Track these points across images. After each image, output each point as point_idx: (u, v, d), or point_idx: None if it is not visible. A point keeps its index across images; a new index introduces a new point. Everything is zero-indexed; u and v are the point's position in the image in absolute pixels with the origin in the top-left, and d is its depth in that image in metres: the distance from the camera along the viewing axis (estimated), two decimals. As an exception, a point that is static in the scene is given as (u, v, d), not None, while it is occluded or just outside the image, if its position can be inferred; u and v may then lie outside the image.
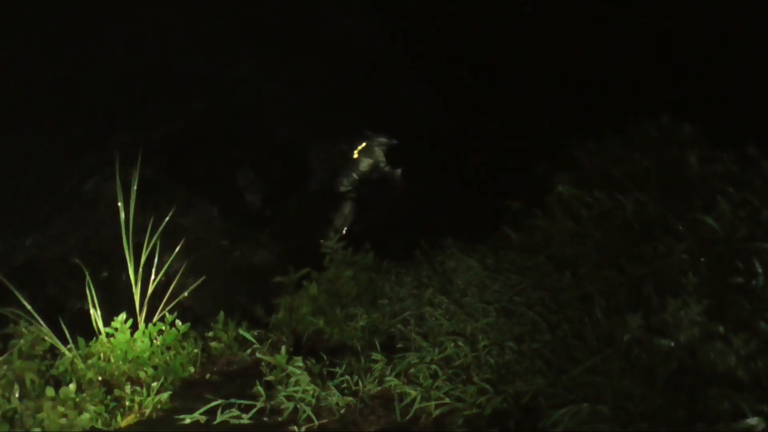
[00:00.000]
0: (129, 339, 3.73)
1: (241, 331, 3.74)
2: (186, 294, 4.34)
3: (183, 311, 4.32)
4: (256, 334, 3.90)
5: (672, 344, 2.64)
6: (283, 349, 3.38)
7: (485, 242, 4.38)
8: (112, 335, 3.78)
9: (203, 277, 4.46)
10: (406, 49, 6.31)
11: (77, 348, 3.66)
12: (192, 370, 3.73)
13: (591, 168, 4.18)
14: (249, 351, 3.71)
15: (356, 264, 4.51)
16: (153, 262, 4.19)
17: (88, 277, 3.83)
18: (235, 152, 6.52)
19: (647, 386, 2.68)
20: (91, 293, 3.86)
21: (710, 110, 4.60)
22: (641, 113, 4.57)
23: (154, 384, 3.43)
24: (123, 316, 3.84)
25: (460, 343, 3.19)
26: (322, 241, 4.67)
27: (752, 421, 2.31)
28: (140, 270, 4.05)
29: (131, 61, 5.55)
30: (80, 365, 3.57)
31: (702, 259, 2.98)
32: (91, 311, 3.80)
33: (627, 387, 2.70)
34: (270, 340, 3.87)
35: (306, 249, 5.45)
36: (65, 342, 3.66)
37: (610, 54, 5.35)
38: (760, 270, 2.76)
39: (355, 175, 6.26)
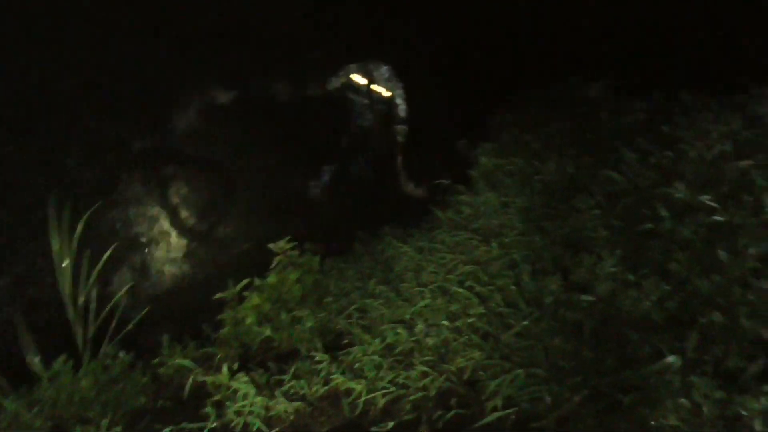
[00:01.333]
0: (72, 380, 3.66)
1: (179, 361, 3.68)
2: (130, 326, 4.27)
3: (131, 340, 4.27)
4: (201, 353, 3.86)
5: (591, 299, 2.74)
6: (225, 367, 3.37)
7: (420, 225, 4.43)
8: (56, 378, 3.70)
9: (147, 308, 4.40)
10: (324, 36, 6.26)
11: (20, 398, 3.56)
12: (143, 400, 3.67)
13: (509, 137, 4.26)
14: (192, 375, 3.67)
15: (301, 266, 4.50)
16: (92, 296, 4.14)
17: (19, 321, 3.74)
18: (167, 170, 6.42)
19: (577, 341, 2.77)
20: (25, 338, 3.77)
21: (618, 65, 4.72)
22: (553, 78, 4.67)
23: (104, 421, 3.37)
24: (63, 358, 3.76)
25: (398, 330, 3.22)
26: (271, 245, 4.58)
27: (670, 359, 2.43)
28: (79, 305, 4.00)
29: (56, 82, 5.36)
30: (25, 416, 3.48)
31: (613, 211, 3.08)
32: (27, 358, 3.71)
33: (558, 345, 2.79)
34: (219, 356, 3.84)
35: (249, 258, 5.43)
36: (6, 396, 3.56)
37: (517, 24, 5.43)
38: (664, 214, 2.87)
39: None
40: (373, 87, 5.85)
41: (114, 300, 4.20)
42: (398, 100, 5.67)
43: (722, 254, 2.65)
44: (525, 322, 2.87)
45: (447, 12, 5.82)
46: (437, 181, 4.51)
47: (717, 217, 2.73)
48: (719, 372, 2.41)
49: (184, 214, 5.86)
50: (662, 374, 2.41)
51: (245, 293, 4.29)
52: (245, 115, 6.50)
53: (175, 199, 5.92)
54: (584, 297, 2.76)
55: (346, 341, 3.56)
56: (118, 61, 5.94)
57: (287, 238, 4.51)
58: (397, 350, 3.17)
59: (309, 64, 6.51)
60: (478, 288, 3.23)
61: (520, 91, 4.71)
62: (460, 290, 3.23)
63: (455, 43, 5.65)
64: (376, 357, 3.16)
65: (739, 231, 2.73)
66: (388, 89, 5.77)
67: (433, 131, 5.44)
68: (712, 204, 2.79)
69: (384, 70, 5.78)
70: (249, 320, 4.07)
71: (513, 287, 3.07)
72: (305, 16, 6.38)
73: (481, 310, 3.09)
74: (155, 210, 5.95)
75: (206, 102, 6.55)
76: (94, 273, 4.17)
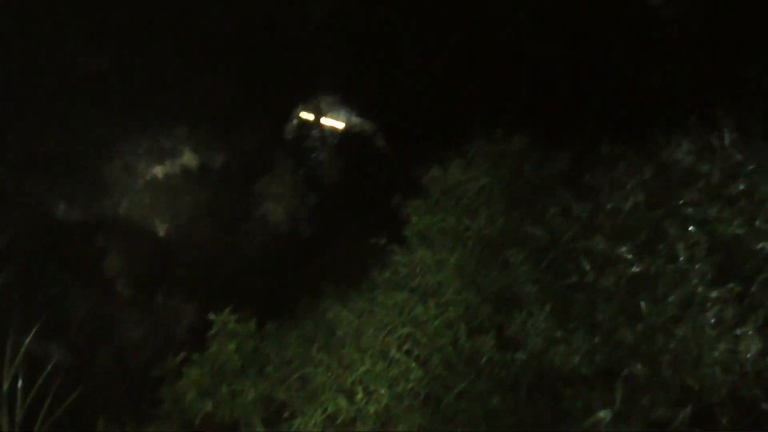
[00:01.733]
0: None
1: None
2: (61, 409, 4.06)
3: (66, 422, 4.06)
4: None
5: (524, 356, 2.79)
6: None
7: (360, 285, 4.41)
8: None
9: (77, 392, 4.20)
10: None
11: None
12: (77, 491, 3.48)
13: (439, 194, 4.35)
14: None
15: (239, 334, 4.40)
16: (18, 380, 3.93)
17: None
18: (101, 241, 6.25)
19: (513, 399, 2.81)
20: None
21: (541, 117, 4.93)
22: (478, 131, 4.81)
23: None
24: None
25: (339, 400, 3.18)
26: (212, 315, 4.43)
27: (601, 414, 2.48)
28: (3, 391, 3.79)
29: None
30: None
31: (540, 266, 3.18)
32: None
33: (496, 405, 2.81)
34: (157, 437, 3.69)
35: (188, 329, 5.30)
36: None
37: (442, 80, 5.63)
38: (587, 267, 2.98)
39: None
40: (325, 123, 5.90)
41: (39, 381, 3.98)
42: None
43: (643, 304, 2.76)
44: (463, 384, 2.89)
45: (378, 71, 5.99)
46: (373, 240, 4.51)
47: (635, 269, 2.85)
48: (649, 421, 2.47)
49: (119, 286, 5.68)
50: (595, 428, 2.46)
51: (184, 367, 4.17)
52: (182, 183, 6.43)
53: (110, 271, 5.74)
54: (518, 355, 2.81)
55: (287, 413, 3.49)
56: (49, 123, 5.84)
57: (229, 307, 4.42)
58: (338, 420, 3.13)
59: (243, 130, 6.54)
60: (417, 351, 3.24)
61: (447, 146, 4.82)
62: (399, 355, 3.23)
63: (382, 103, 5.80)
64: (317, 429, 3.10)
65: (657, 280, 2.86)
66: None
67: (373, 191, 5.52)
68: (630, 255, 2.91)
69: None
70: (189, 395, 3.94)
71: (450, 347, 3.09)
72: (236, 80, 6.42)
73: (420, 373, 3.10)
74: (90, 282, 5.75)
75: (143, 171, 6.46)
76: (20, 354, 3.96)
